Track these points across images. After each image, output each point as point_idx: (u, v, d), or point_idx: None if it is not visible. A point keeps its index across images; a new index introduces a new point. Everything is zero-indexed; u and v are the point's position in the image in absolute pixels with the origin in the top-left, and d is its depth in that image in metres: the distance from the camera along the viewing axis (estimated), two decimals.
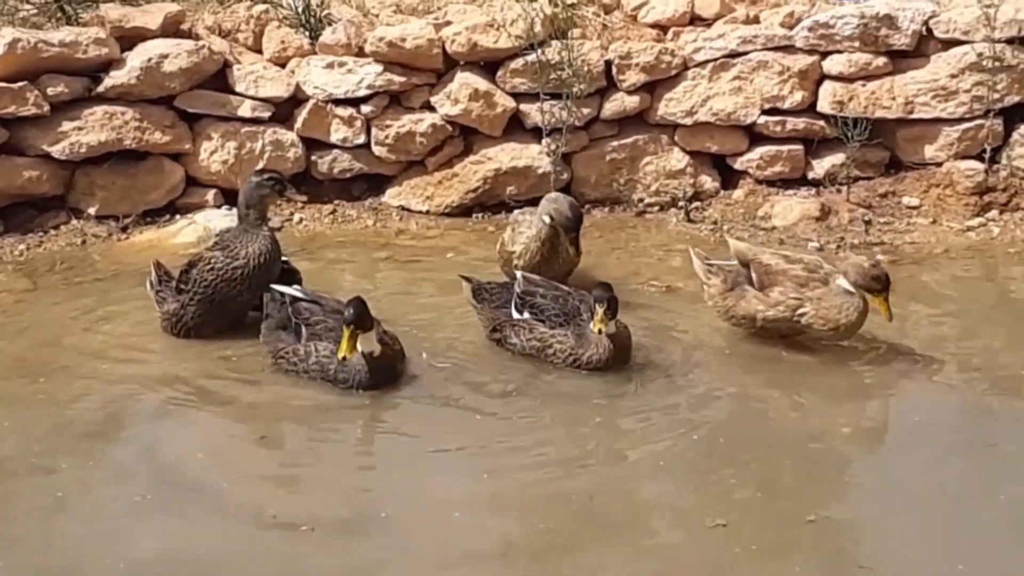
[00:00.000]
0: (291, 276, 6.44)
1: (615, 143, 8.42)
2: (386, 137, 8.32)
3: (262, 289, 6.12)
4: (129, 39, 8.20)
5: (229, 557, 4.35)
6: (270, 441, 5.32)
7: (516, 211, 7.35)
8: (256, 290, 6.16)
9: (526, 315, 5.99)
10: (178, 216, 8.15)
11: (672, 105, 8.35)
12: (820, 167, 8.35)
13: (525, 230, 6.65)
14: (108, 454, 5.23)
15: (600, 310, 5.62)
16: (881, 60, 8.19)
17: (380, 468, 5.16)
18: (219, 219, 7.84)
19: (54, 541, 4.48)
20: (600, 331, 5.64)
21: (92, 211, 8.07)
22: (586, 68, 8.14)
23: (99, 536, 4.50)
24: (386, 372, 5.65)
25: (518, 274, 6.28)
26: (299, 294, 6.00)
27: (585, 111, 8.27)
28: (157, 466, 5.02)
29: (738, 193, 8.39)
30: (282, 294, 6.00)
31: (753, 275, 6.03)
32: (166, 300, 6.33)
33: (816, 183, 8.38)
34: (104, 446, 5.28)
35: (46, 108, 7.91)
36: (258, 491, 4.81)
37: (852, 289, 5.78)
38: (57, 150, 7.95)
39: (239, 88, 8.25)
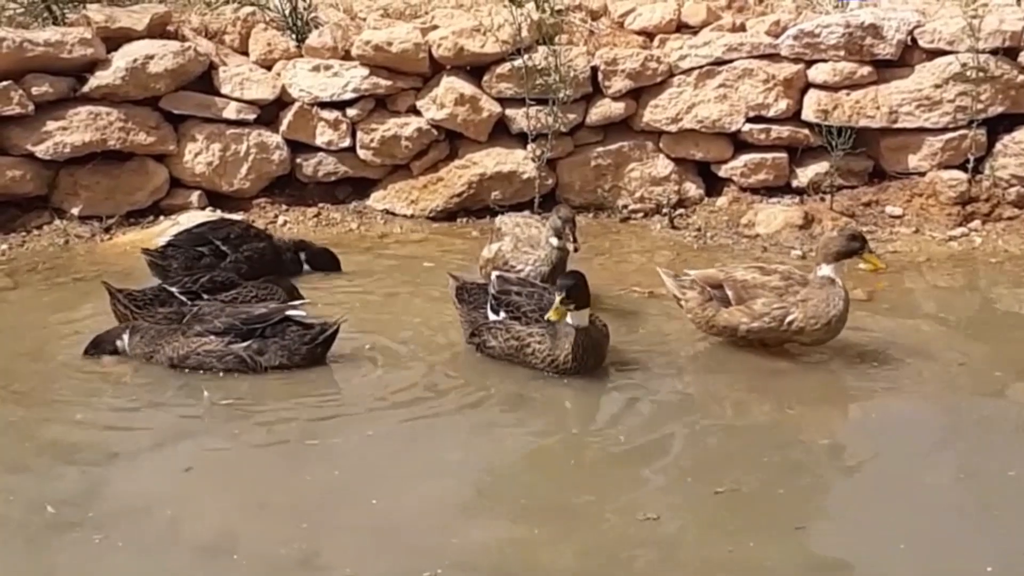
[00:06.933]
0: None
1: (600, 149, 8.44)
2: (371, 141, 8.32)
3: None
4: (115, 40, 8.21)
5: None
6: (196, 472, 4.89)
7: (498, 217, 7.24)
8: None
9: (502, 315, 5.84)
10: (162, 217, 8.15)
11: (657, 112, 8.37)
12: (804, 175, 8.36)
13: (530, 252, 6.50)
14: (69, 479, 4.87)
15: (557, 298, 5.45)
16: (866, 69, 8.21)
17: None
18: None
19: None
20: (552, 320, 5.46)
21: (75, 211, 8.06)
22: (572, 74, 8.15)
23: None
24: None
25: (493, 274, 6.16)
26: None
27: (570, 117, 8.29)
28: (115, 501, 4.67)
29: (722, 200, 8.40)
30: None
31: (729, 293, 5.97)
32: None
33: (800, 191, 8.39)
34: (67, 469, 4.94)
35: (30, 108, 7.90)
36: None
37: (833, 276, 5.75)
38: (41, 150, 7.94)
39: (224, 90, 8.26)
